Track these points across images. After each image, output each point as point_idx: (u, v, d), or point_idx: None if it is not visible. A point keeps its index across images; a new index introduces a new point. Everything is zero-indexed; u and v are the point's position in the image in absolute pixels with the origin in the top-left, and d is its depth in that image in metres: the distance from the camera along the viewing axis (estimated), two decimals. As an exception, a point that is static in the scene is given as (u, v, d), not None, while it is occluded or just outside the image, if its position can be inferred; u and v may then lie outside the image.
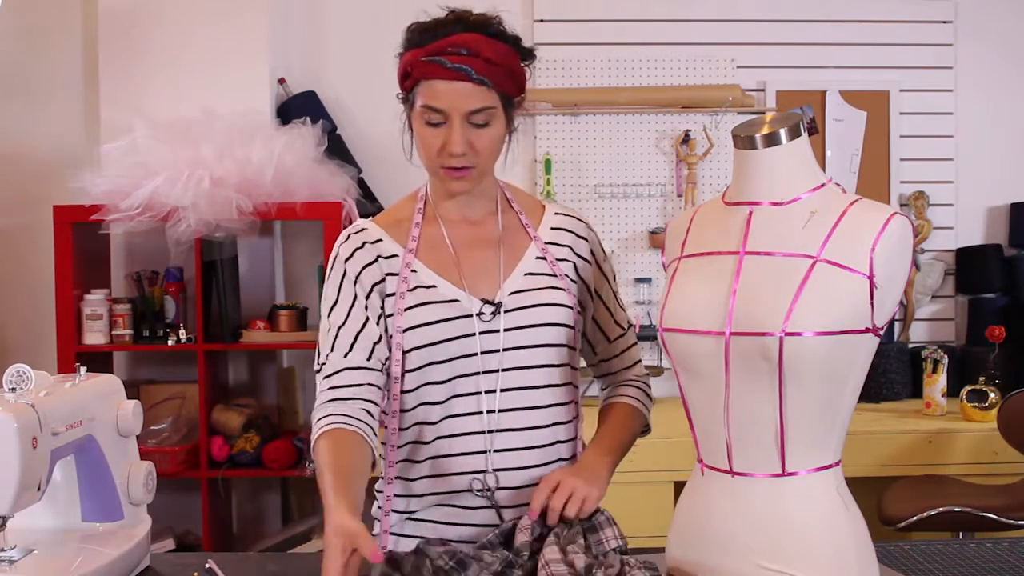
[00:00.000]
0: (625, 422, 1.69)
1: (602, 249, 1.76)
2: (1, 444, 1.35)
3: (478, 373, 1.59)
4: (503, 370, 1.59)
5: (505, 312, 1.60)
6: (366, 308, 1.60)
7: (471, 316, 1.58)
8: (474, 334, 1.58)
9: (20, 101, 3.67)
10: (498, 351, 1.59)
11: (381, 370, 1.59)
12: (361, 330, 1.59)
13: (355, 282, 1.61)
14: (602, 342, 1.75)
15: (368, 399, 1.55)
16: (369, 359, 1.57)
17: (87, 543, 1.54)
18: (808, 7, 3.87)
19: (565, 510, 1.49)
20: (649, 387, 1.77)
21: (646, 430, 1.75)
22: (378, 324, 1.60)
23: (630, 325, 1.80)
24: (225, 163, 3.18)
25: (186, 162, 3.15)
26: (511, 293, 1.61)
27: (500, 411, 1.59)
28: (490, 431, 1.59)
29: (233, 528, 3.65)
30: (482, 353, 1.58)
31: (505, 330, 1.59)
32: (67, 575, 1.44)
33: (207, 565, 1.55)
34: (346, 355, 1.57)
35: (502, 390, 1.59)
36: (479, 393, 1.59)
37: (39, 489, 1.43)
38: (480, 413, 1.59)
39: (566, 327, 1.63)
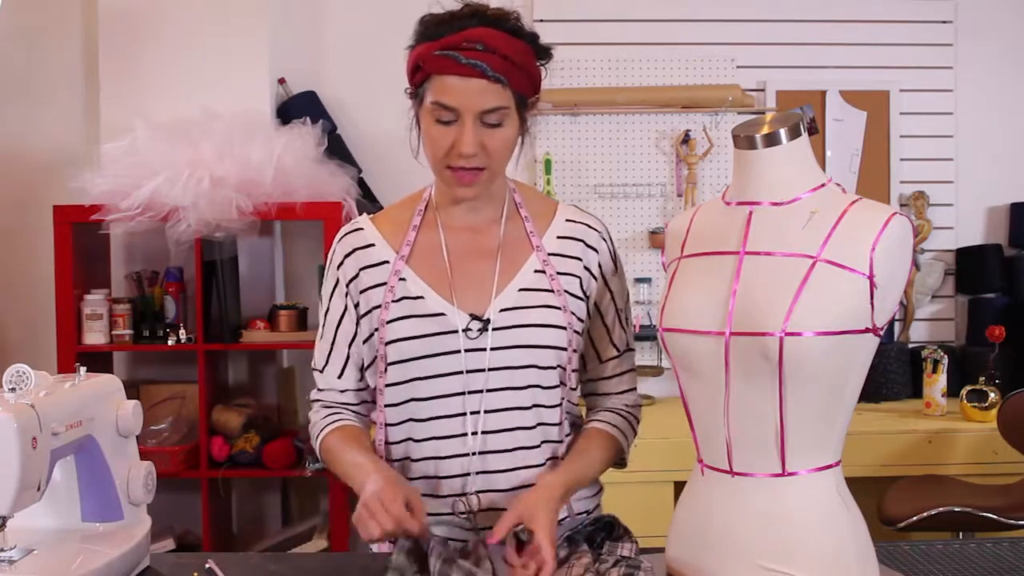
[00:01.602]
0: (588, 450, 1.57)
1: (614, 261, 1.65)
2: (1, 444, 1.35)
3: (463, 393, 1.52)
4: (488, 391, 1.52)
5: (493, 330, 1.52)
6: (356, 323, 1.61)
7: (456, 332, 1.52)
8: (459, 351, 1.52)
9: (20, 101, 3.67)
10: (484, 370, 1.52)
11: (370, 388, 1.63)
12: (351, 347, 1.62)
13: (346, 293, 1.62)
14: (592, 360, 1.66)
15: (361, 414, 1.66)
16: (360, 379, 1.64)
17: (87, 543, 1.54)
18: (808, 7, 3.87)
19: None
20: (637, 419, 1.65)
21: (620, 463, 1.63)
22: (366, 341, 1.60)
23: (630, 349, 1.68)
24: (225, 163, 3.18)
25: (186, 162, 3.15)
26: (501, 310, 1.53)
27: (484, 432, 1.53)
28: (474, 453, 1.53)
29: (233, 528, 3.65)
30: (467, 372, 1.52)
31: (492, 349, 1.52)
32: (67, 575, 1.44)
33: (207, 565, 1.55)
34: (339, 376, 1.64)
35: (487, 411, 1.53)
36: (464, 414, 1.53)
37: (39, 489, 1.43)
38: (465, 435, 1.53)
39: (557, 349, 1.55)
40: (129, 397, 1.67)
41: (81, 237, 3.30)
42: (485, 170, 1.51)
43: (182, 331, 3.35)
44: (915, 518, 2.89)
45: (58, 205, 3.26)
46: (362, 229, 1.63)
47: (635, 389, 1.70)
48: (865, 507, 1.39)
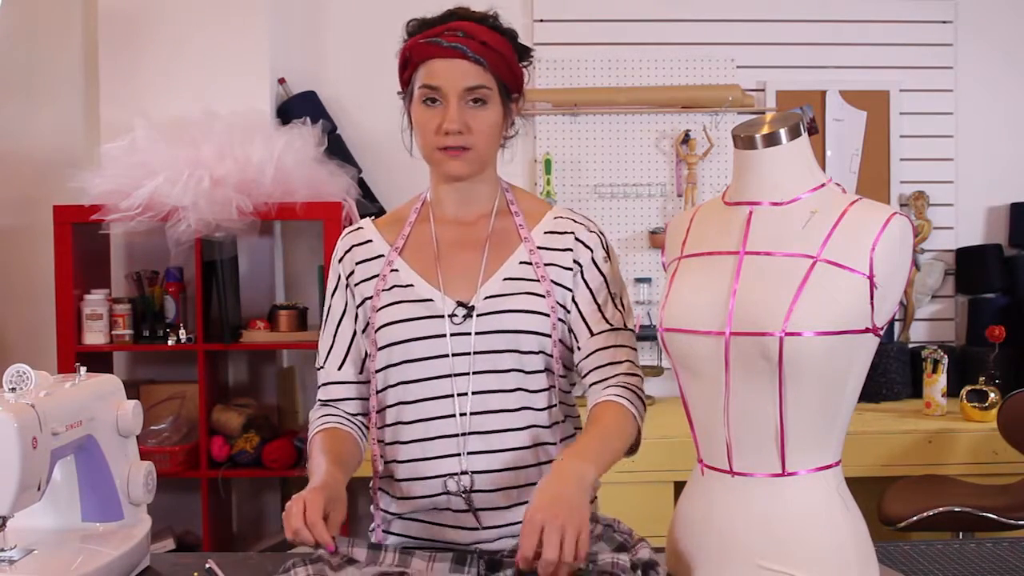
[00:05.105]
0: (613, 426, 1.51)
1: (607, 253, 1.65)
2: (1, 444, 1.35)
3: (451, 375, 1.58)
4: (474, 373, 1.57)
5: (477, 316, 1.57)
6: (356, 319, 1.67)
7: (443, 317, 1.58)
8: (444, 335, 1.58)
9: (20, 101, 3.67)
10: (469, 354, 1.57)
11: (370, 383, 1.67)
12: (352, 342, 1.68)
13: (346, 287, 1.68)
14: (584, 335, 1.61)
15: (356, 412, 1.69)
16: (360, 372, 1.68)
17: (87, 543, 1.54)
18: (808, 7, 3.87)
19: (563, 554, 1.26)
20: (640, 395, 1.57)
21: (634, 447, 1.55)
22: (364, 332, 1.66)
23: (627, 329, 1.63)
24: (225, 163, 3.18)
25: (186, 162, 3.15)
26: (486, 297, 1.59)
27: (472, 414, 1.58)
28: (463, 434, 1.58)
29: (233, 528, 3.65)
30: (453, 355, 1.57)
31: (476, 333, 1.57)
32: (67, 575, 1.44)
33: (207, 565, 1.55)
34: (340, 368, 1.69)
35: (473, 393, 1.57)
36: (452, 396, 1.58)
37: (39, 489, 1.43)
38: (454, 416, 1.58)
39: (539, 335, 1.58)
40: (129, 397, 1.68)
41: (81, 237, 3.30)
42: (471, 149, 1.58)
43: (182, 331, 3.35)
44: (915, 518, 2.89)
45: (58, 205, 3.26)
46: (362, 228, 1.73)
47: (633, 363, 1.61)
48: (865, 507, 1.39)
